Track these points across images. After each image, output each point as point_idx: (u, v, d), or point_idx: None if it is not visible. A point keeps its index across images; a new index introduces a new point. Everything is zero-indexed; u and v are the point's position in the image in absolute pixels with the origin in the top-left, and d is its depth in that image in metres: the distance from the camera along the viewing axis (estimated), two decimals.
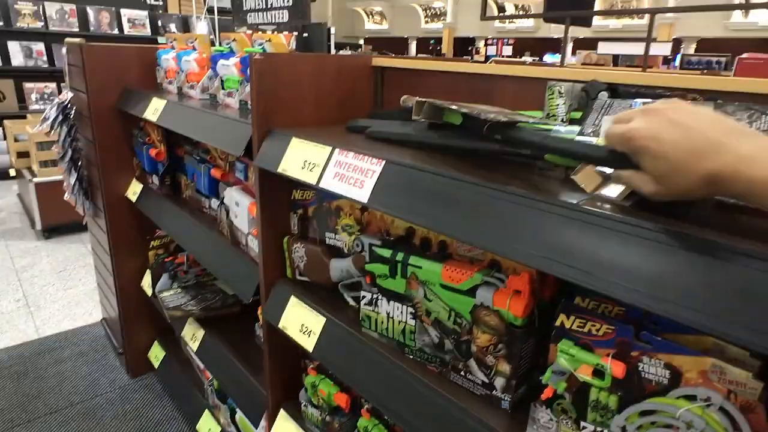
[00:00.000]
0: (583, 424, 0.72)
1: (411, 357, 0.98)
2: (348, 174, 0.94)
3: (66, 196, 2.37)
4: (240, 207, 1.41)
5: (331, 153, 0.99)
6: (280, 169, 1.08)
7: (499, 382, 0.84)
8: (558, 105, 0.94)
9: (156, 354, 2.35)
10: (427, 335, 0.94)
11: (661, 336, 0.66)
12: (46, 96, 5.84)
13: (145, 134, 2.03)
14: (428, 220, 0.79)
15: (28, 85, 5.76)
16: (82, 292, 3.21)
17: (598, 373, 0.69)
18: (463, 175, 0.78)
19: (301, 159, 1.04)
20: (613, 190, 0.66)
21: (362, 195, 0.89)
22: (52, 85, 5.91)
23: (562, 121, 0.96)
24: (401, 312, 0.98)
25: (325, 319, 1.10)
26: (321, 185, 0.98)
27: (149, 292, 2.15)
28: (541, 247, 0.65)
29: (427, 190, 0.81)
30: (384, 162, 0.89)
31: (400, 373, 0.95)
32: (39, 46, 5.84)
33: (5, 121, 4.45)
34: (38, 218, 3.94)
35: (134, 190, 2.10)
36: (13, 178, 5.09)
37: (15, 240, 4.01)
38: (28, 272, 3.49)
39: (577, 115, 0.95)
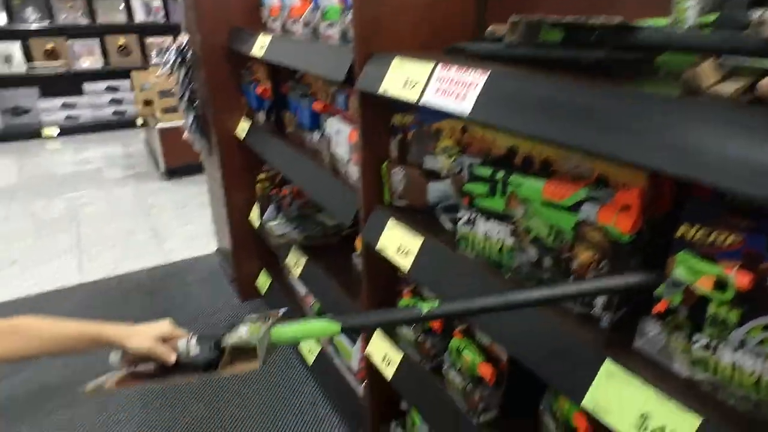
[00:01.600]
0: (695, 337, 0.69)
1: (507, 276, 0.98)
2: (450, 88, 0.93)
3: (185, 135, 2.59)
4: (340, 135, 1.46)
5: (434, 68, 0.98)
6: (381, 90, 1.09)
7: (598, 300, 0.82)
8: (688, 7, 0.84)
9: (262, 282, 2.56)
10: (524, 254, 0.93)
11: None
12: (164, 49, 6.32)
13: (251, 73, 2.14)
14: (537, 128, 0.76)
15: (149, 40, 6.26)
16: (200, 226, 3.54)
17: (719, 286, 0.65)
18: (572, 80, 0.74)
19: (403, 78, 1.05)
20: (729, 87, 0.60)
21: (464, 107, 0.88)
22: (170, 39, 6.36)
23: (689, 28, 0.87)
24: (499, 231, 0.97)
25: (422, 238, 1.13)
26: (422, 102, 0.98)
27: (257, 224, 2.33)
28: (663, 147, 0.61)
29: (535, 97, 0.78)
30: (488, 72, 0.86)
31: (496, 289, 0.95)
32: (157, 2, 6.28)
33: (132, 72, 4.91)
34: (161, 160, 4.36)
35: (243, 127, 2.25)
36: (140, 126, 5.66)
37: (143, 181, 4.49)
38: (155, 209, 3.91)
39: (709, 19, 0.85)
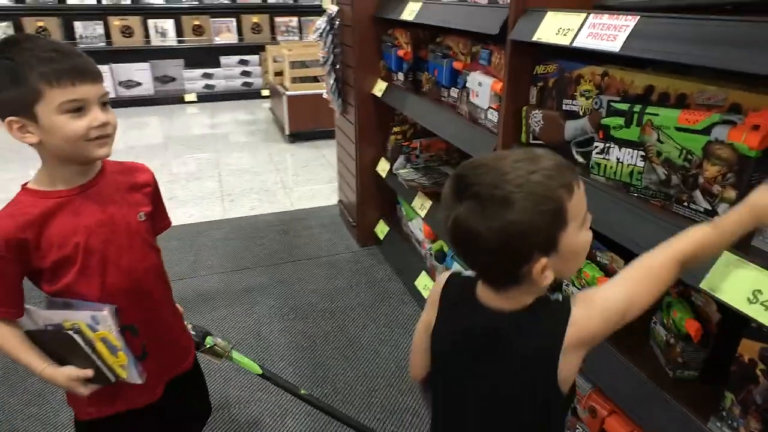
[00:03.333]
0: None
1: (636, 195, 1.15)
2: (601, 32, 1.11)
3: (324, 94, 2.95)
4: (483, 86, 1.68)
5: (587, 17, 1.17)
6: (535, 38, 1.30)
7: (721, 208, 0.98)
8: None
9: (381, 229, 2.87)
10: (654, 174, 1.10)
11: None
12: (290, 29, 6.88)
13: (393, 38, 2.42)
14: (684, 55, 0.94)
15: (278, 19, 6.84)
16: (320, 182, 3.95)
17: None
18: (717, 16, 0.90)
19: (556, 27, 1.25)
20: None
21: (615, 46, 1.07)
22: (295, 20, 6.91)
23: None
24: (631, 156, 1.15)
25: None
26: (574, 44, 1.17)
27: (384, 174, 2.62)
28: None
29: (683, 31, 0.95)
30: (638, 17, 1.04)
31: (627, 206, 1.13)
32: None
33: (267, 46, 5.45)
34: (287, 125, 4.85)
35: (380, 87, 2.54)
36: (265, 97, 6.25)
37: (270, 142, 5.01)
38: (281, 164, 4.40)
39: None
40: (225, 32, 6.71)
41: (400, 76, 2.36)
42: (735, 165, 0.95)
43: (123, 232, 1.08)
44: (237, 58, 6.68)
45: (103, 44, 6.31)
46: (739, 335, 0.96)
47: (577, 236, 0.75)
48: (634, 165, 1.15)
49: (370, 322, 2.34)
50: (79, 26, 6.22)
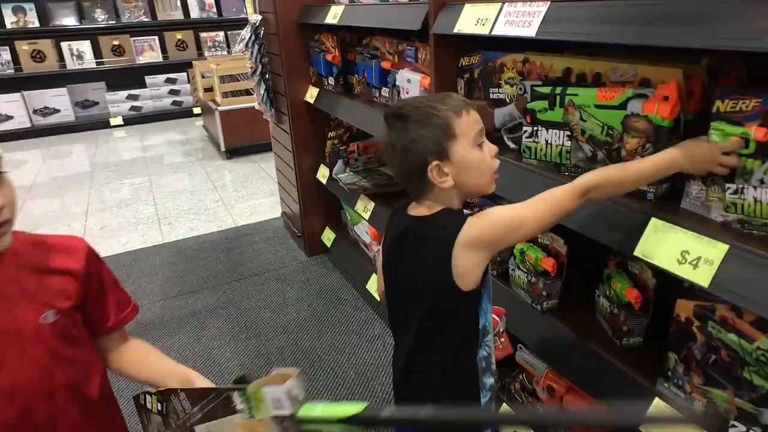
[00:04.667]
0: (727, 185, 0.89)
1: (567, 174, 1.19)
2: (517, 20, 1.14)
3: (256, 105, 2.88)
4: (412, 83, 1.69)
5: (502, 6, 1.20)
6: (455, 30, 1.32)
7: None
8: None
9: (328, 236, 2.83)
10: (581, 151, 1.14)
11: None
12: (217, 43, 6.72)
13: (320, 43, 2.40)
14: (593, 35, 0.98)
15: (203, 35, 6.66)
16: (261, 196, 3.86)
17: (744, 144, 0.85)
18: None
19: (474, 17, 1.27)
20: None
21: (530, 32, 1.10)
22: (221, 34, 6.75)
23: None
24: (558, 137, 1.18)
25: None
26: (493, 33, 1.20)
27: (324, 181, 2.59)
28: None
29: (591, 15, 0.99)
30: (548, 3, 1.08)
31: (556, 184, 1.16)
32: None
33: (194, 62, 5.28)
34: (222, 141, 4.71)
35: (311, 93, 2.51)
36: (197, 115, 6.06)
37: (206, 160, 4.85)
38: (219, 182, 4.26)
39: None
40: (148, 51, 6.46)
41: (331, 80, 2.34)
42: (651, 135, 0.99)
43: (10, 338, 0.81)
44: (163, 76, 6.44)
45: (12, 71, 5.90)
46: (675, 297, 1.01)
47: (470, 151, 0.92)
48: (562, 145, 1.18)
49: (326, 331, 2.30)
50: None
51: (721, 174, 0.90)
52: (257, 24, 2.67)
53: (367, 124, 2.01)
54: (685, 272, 0.90)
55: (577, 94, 1.12)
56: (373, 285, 2.32)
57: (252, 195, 3.93)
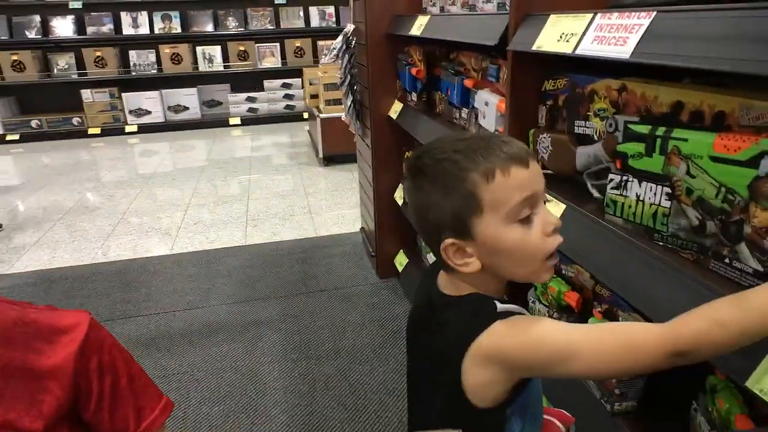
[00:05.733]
0: None
1: (661, 244, 0.88)
2: (609, 35, 0.87)
3: (343, 117, 2.80)
4: (489, 106, 1.45)
5: (592, 18, 0.93)
6: (534, 47, 1.06)
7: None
8: None
9: (401, 260, 2.65)
10: (684, 218, 0.83)
11: None
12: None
13: (407, 56, 2.23)
14: (712, 59, 0.68)
15: (320, 43, 6.86)
16: (348, 206, 3.79)
17: None
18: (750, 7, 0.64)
19: (558, 32, 1.01)
20: None
21: (624, 51, 0.82)
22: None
23: None
24: (655, 193, 0.88)
25: (564, 206, 1.07)
26: (578, 52, 0.93)
27: (400, 202, 2.41)
28: None
29: (710, 28, 0.69)
30: (654, 12, 0.79)
31: (648, 258, 0.87)
32: (330, 9, 6.87)
33: (304, 69, 5.43)
34: (321, 148, 4.75)
35: (396, 108, 2.35)
36: (305, 119, 6.24)
37: (304, 166, 4.94)
38: (311, 188, 4.29)
39: None
40: (269, 57, 6.80)
41: (414, 96, 2.16)
42: None
43: None
44: (280, 81, 6.73)
45: (155, 71, 6.54)
46: None
47: (504, 230, 0.67)
48: (659, 205, 0.88)
49: (379, 366, 2.12)
50: (133, 55, 6.49)
51: None
52: (349, 33, 2.58)
53: None
54: None
55: (686, 139, 0.82)
56: None
57: (338, 205, 3.89)
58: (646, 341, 0.60)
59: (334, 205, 3.89)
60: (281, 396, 1.97)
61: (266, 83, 6.74)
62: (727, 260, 0.77)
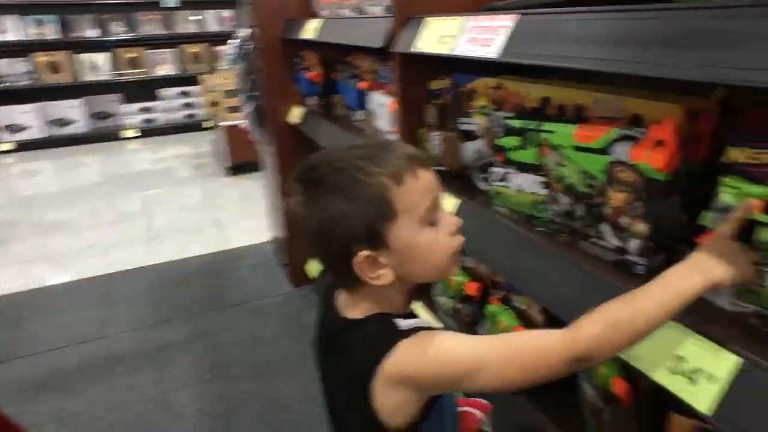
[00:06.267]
0: None
1: (541, 229, 0.95)
2: (479, 36, 0.92)
3: (244, 124, 2.72)
4: (382, 107, 1.48)
5: (465, 22, 0.98)
6: (415, 48, 1.10)
7: (633, 244, 0.78)
8: None
9: (314, 267, 2.62)
10: (557, 204, 0.90)
11: None
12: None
13: (303, 60, 2.22)
14: (567, 59, 0.74)
15: (218, 48, 6.61)
16: (258, 216, 3.68)
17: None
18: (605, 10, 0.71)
19: (436, 35, 1.05)
20: None
21: (492, 51, 0.87)
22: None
23: None
24: (532, 183, 0.95)
25: (458, 200, 1.12)
26: (455, 52, 0.98)
27: None
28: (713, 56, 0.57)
29: (565, 31, 0.76)
30: (518, 16, 0.85)
31: (530, 244, 0.93)
32: (227, 13, 6.64)
33: (203, 76, 5.20)
34: (226, 157, 4.58)
35: (296, 113, 2.32)
36: (208, 128, 5.99)
37: (210, 177, 4.74)
38: (219, 199, 4.13)
39: None
40: (163, 64, 6.45)
41: (313, 100, 2.16)
42: (642, 191, 0.75)
43: None
44: (177, 89, 6.41)
45: (29, 81, 5.93)
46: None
47: (417, 233, 0.66)
48: (536, 193, 0.95)
49: (301, 376, 2.08)
50: (3, 64, 5.84)
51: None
52: (246, 38, 2.52)
53: None
54: (679, 388, 0.65)
55: (553, 132, 0.88)
56: None
57: (248, 215, 3.77)
58: (547, 351, 0.62)
59: (243, 216, 3.77)
60: (197, 420, 1.88)
61: (162, 92, 6.38)
62: (593, 240, 0.84)
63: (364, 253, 0.65)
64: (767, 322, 0.63)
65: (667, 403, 0.78)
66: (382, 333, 0.66)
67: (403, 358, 0.62)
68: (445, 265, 0.70)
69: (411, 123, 1.30)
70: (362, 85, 1.73)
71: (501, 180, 1.02)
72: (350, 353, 0.69)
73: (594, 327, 0.61)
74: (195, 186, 4.51)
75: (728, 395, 0.60)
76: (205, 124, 6.35)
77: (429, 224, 0.67)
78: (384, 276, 0.66)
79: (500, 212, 1.03)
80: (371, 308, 0.70)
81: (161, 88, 6.39)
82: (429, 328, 0.66)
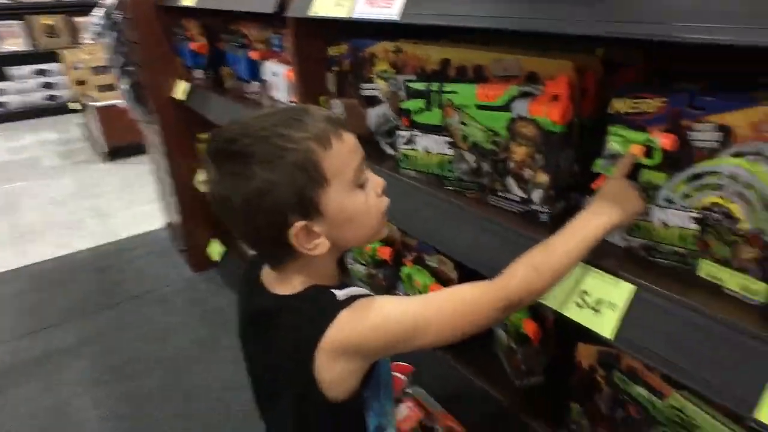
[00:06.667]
0: None
1: (451, 188, 0.98)
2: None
3: (122, 104, 2.47)
4: (277, 77, 1.42)
5: None
6: (311, 12, 1.06)
7: (536, 194, 0.83)
8: None
9: (216, 249, 2.50)
10: (464, 162, 0.94)
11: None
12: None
13: (184, 30, 2.05)
14: (466, 17, 0.76)
15: (78, 20, 5.89)
16: (146, 202, 3.42)
17: (648, 152, 0.67)
18: None
19: None
20: None
21: (392, 13, 0.86)
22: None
23: None
24: (438, 144, 0.97)
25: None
26: (354, 15, 0.96)
27: (203, 189, 2.26)
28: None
29: None
30: None
31: (441, 203, 0.96)
32: None
33: (63, 51, 4.61)
34: (103, 141, 4.15)
35: (181, 88, 2.15)
36: (77, 111, 5.37)
37: (83, 164, 4.27)
38: (97, 188, 3.74)
39: None
40: (11, 38, 5.60)
41: (199, 73, 2.01)
42: (541, 144, 0.80)
43: None
44: (32, 68, 5.62)
45: None
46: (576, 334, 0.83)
47: (349, 197, 0.65)
48: (443, 154, 0.97)
49: (214, 363, 2.00)
50: None
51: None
52: (113, 7, 2.26)
53: None
54: (586, 320, 0.71)
55: (456, 92, 0.91)
56: None
57: (134, 202, 3.48)
58: (480, 302, 0.64)
59: (129, 204, 3.47)
60: (101, 425, 1.74)
61: (14, 71, 5.57)
62: (500, 193, 0.89)
63: (301, 223, 0.62)
64: (652, 252, 0.72)
65: (571, 335, 0.86)
66: (321, 305, 0.64)
67: (346, 328, 0.61)
68: (377, 227, 0.71)
69: (310, 91, 1.26)
70: (254, 54, 1.64)
71: (407, 143, 1.03)
72: (287, 329, 0.66)
73: (520, 274, 0.66)
74: (67, 175, 4.04)
75: (626, 319, 0.68)
76: (71, 106, 5.67)
77: (358, 187, 0.66)
78: (321, 245, 0.64)
79: (409, 175, 1.04)
80: (305, 281, 0.68)
81: (11, 66, 5.57)
82: (364, 296, 0.66)
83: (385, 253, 1.28)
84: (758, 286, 0.59)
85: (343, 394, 0.65)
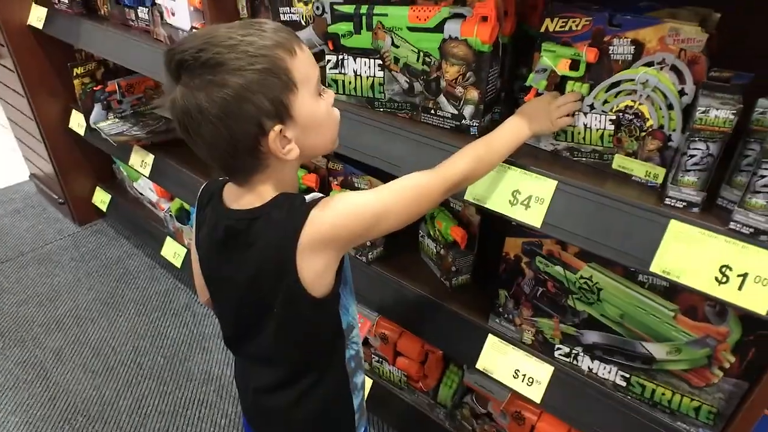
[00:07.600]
0: None
1: (382, 110, 1.03)
2: None
3: None
4: (178, 2, 1.31)
5: None
6: None
7: (468, 110, 0.92)
8: None
9: (102, 198, 2.30)
10: (396, 83, 0.99)
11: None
12: None
13: None
14: None
15: None
16: (2, 152, 2.97)
17: (574, 65, 0.79)
18: None
19: None
20: None
21: None
22: None
23: None
24: (369, 66, 1.01)
25: None
26: None
27: (81, 131, 2.03)
28: None
29: None
30: None
31: (374, 124, 1.01)
32: None
33: None
34: None
35: (37, 15, 1.86)
36: None
37: None
38: None
39: None
40: None
41: None
42: (472, 62, 0.88)
43: None
44: None
45: None
46: (502, 234, 0.97)
47: (314, 103, 0.68)
48: (374, 76, 1.01)
49: (117, 316, 1.90)
50: None
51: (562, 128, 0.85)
52: None
53: (125, 57, 1.56)
54: (518, 214, 0.84)
55: (386, 14, 0.94)
56: (169, 250, 1.97)
57: None
58: (429, 187, 0.73)
59: None
60: (3, 397, 1.59)
61: None
62: (432, 111, 0.97)
63: (278, 127, 0.64)
64: (575, 153, 0.85)
65: (496, 233, 1.00)
66: (294, 206, 0.68)
67: (318, 222, 0.66)
68: (335, 136, 0.75)
69: (221, 18, 1.20)
70: None
71: (335, 67, 1.05)
72: (264, 238, 0.69)
73: (463, 163, 0.76)
74: None
75: (550, 209, 0.81)
76: None
77: (319, 95, 0.70)
78: (293, 150, 0.67)
79: (338, 99, 1.07)
80: (272, 190, 0.70)
81: None
82: (329, 197, 0.71)
83: (310, 180, 1.31)
84: (658, 170, 0.75)
85: (325, 288, 0.71)
